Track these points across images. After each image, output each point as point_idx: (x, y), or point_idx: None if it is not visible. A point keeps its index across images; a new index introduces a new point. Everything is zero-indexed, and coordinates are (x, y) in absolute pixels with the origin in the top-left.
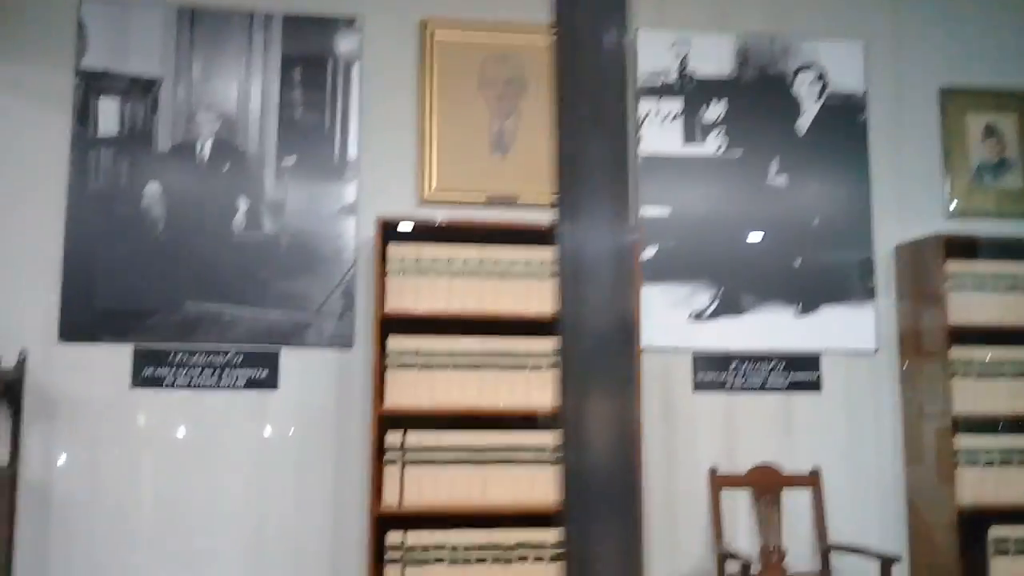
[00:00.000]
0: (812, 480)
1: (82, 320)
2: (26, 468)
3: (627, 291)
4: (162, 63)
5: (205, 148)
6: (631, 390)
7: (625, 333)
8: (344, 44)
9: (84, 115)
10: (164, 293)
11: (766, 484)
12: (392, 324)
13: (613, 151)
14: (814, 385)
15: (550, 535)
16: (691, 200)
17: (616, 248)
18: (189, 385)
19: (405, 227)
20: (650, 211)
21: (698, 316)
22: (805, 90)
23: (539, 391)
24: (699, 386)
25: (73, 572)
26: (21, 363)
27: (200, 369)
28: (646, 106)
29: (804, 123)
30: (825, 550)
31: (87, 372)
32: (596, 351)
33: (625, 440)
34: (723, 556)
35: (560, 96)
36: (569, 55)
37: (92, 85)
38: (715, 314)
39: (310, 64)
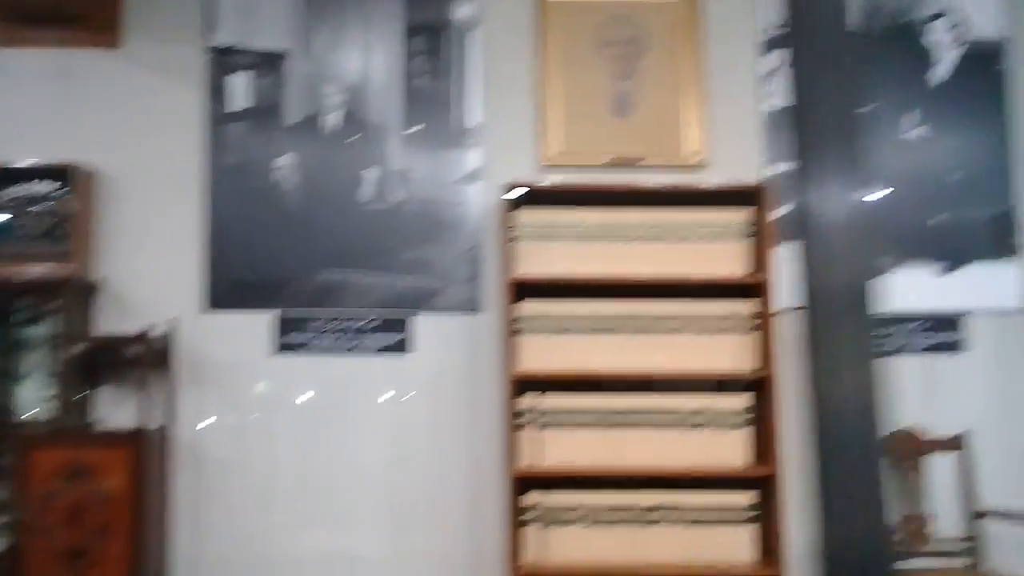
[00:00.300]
0: (957, 444)
1: (225, 289)
2: (179, 430)
3: (867, 246)
4: (288, 37)
5: (332, 120)
6: (872, 348)
7: (866, 292)
8: (463, 11)
9: (216, 91)
10: (299, 262)
11: (908, 449)
12: (522, 289)
13: (847, 108)
14: (957, 346)
15: (687, 498)
16: None
17: (854, 206)
18: (326, 350)
19: (530, 192)
20: (783, 168)
21: None
22: (939, 39)
23: (674, 354)
24: None
25: (223, 526)
26: (172, 331)
27: (336, 334)
28: (776, 59)
29: (938, 73)
30: (973, 516)
31: (231, 338)
32: (839, 311)
33: (870, 400)
34: None
35: (794, 57)
36: (803, 17)
37: (223, 61)
38: None
39: (430, 32)
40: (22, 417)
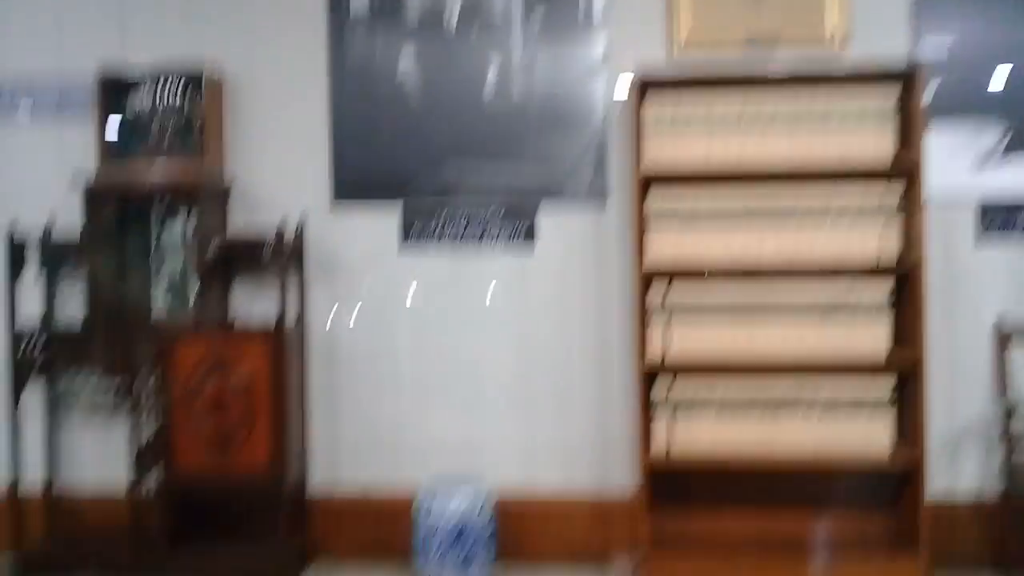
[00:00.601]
0: None
1: (351, 185)
2: (312, 324)
3: None
4: None
5: (452, 16)
6: None
7: None
8: None
9: None
10: (423, 157)
11: None
12: (651, 180)
13: None
14: None
15: (823, 387)
16: (976, 28)
17: None
18: (453, 241)
19: (659, 79)
20: (931, 41)
21: (983, 159)
22: None
23: (813, 243)
24: (984, 237)
25: (356, 415)
26: (301, 226)
27: (463, 227)
28: None
29: None
30: None
31: (358, 234)
32: None
33: None
34: (1008, 410)
35: None
36: None
37: None
38: (1003, 156)
39: None
40: (163, 314)
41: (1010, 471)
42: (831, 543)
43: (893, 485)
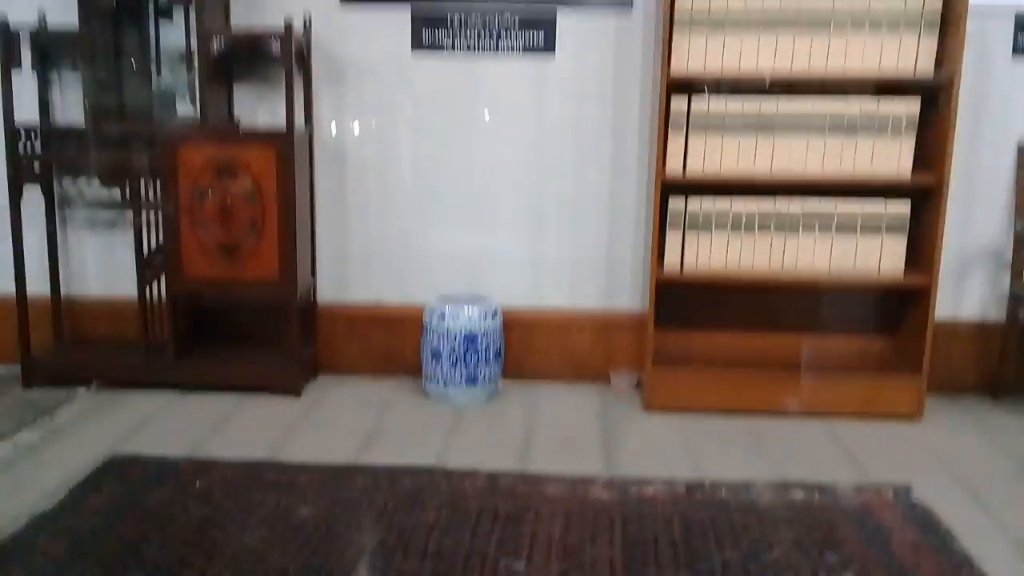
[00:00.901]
0: None
1: None
2: (319, 130)
3: None
4: None
5: None
6: None
7: None
8: None
9: None
10: None
11: None
12: None
13: None
14: None
15: (840, 206)
16: None
17: None
18: (467, 48)
19: None
20: None
21: None
22: None
23: (840, 55)
24: (1020, 50)
25: (364, 224)
26: (308, 21)
27: (477, 32)
28: None
29: None
30: None
31: (369, 36)
32: None
33: None
34: (1021, 235)
35: None
36: None
37: None
38: None
39: None
40: (164, 116)
41: (1016, 296)
42: (831, 362)
43: (896, 307)
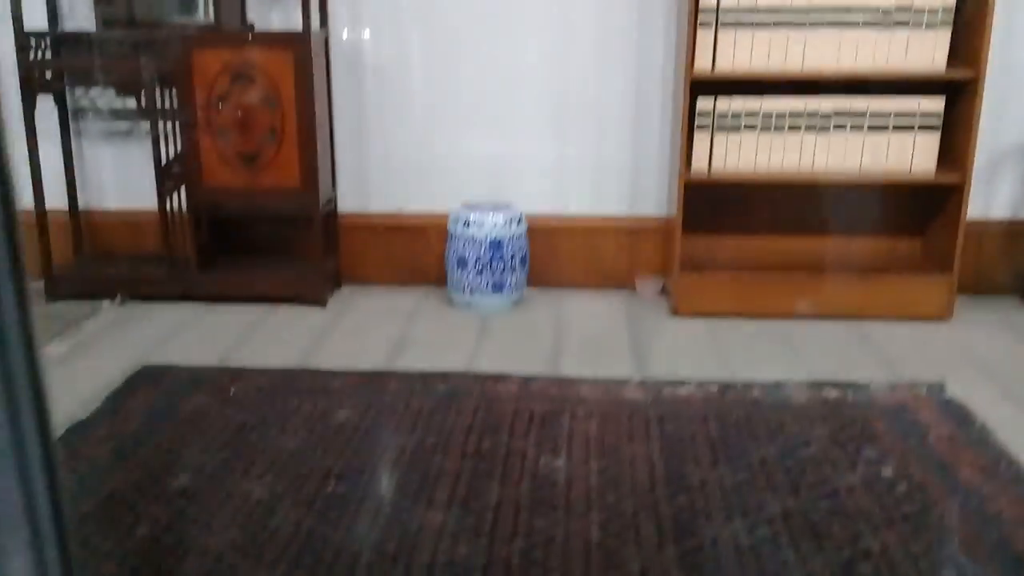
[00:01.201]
0: None
1: None
2: (336, 33)
3: None
4: None
5: None
6: None
7: None
8: None
9: None
10: None
11: None
12: None
13: None
14: None
15: (872, 103)
16: None
17: None
18: None
19: None
20: None
21: None
22: None
23: None
24: None
25: (383, 132)
26: None
27: None
28: None
29: None
30: None
31: None
32: None
33: None
34: None
35: None
36: None
37: None
38: None
39: None
40: (176, 19)
41: None
42: (861, 264)
43: (926, 207)
